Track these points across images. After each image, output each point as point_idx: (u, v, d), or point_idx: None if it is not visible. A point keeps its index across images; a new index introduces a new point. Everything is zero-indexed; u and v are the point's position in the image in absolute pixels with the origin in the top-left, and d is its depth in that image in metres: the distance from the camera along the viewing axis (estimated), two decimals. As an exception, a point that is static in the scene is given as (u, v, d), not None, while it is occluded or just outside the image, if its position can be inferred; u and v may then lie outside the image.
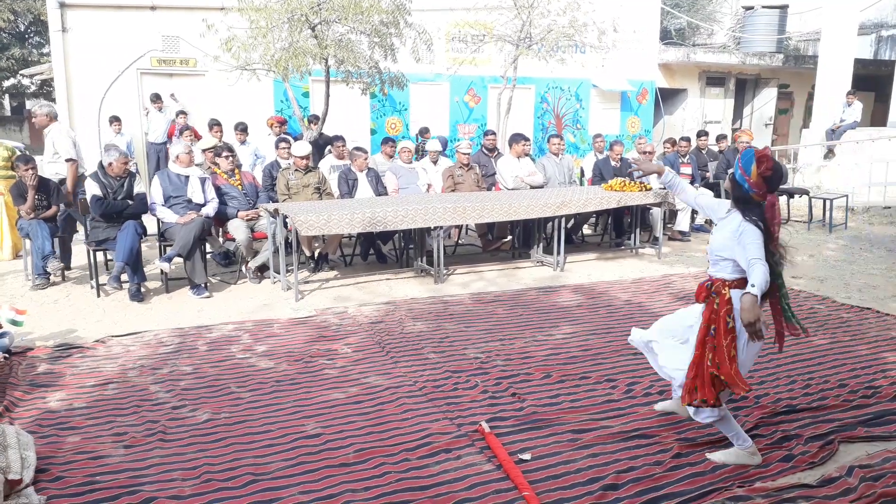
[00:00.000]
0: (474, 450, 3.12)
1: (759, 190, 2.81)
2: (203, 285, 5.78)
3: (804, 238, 8.76)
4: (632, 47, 12.98)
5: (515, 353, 4.43)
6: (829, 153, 12.15)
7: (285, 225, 5.80)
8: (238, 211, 6.36)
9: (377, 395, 3.72)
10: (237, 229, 6.22)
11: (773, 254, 2.84)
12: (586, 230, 9.27)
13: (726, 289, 2.89)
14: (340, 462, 3.01)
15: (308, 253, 6.63)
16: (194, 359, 4.30)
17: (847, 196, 9.65)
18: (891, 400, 3.68)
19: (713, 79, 15.94)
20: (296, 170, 6.74)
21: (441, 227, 6.20)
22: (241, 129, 9.09)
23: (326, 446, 3.15)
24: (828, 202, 9.36)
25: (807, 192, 9.85)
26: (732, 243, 2.82)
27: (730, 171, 3.10)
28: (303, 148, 6.75)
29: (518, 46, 9.80)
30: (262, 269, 6.35)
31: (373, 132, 11.91)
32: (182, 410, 3.56)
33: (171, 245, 5.81)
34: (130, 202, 5.81)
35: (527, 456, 3.05)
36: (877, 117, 16.08)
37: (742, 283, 2.84)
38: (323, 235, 6.27)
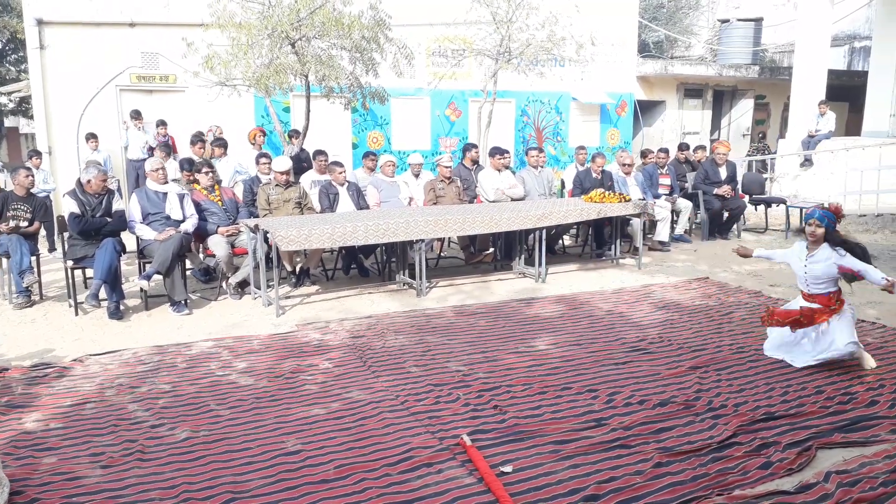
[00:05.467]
0: (456, 463, 3.11)
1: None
2: (183, 302, 5.74)
3: (782, 246, 8.84)
4: (610, 60, 13.15)
5: (497, 365, 4.43)
6: (806, 162, 12.34)
7: (266, 240, 5.79)
8: (218, 227, 6.33)
9: (358, 410, 3.70)
10: (217, 245, 6.19)
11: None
12: (567, 241, 9.33)
13: (838, 300, 4.39)
14: (321, 478, 2.99)
15: (289, 268, 6.61)
16: (173, 376, 4.26)
17: (823, 204, 9.77)
18: (867, 405, 3.73)
19: (691, 90, 16.16)
20: (276, 185, 6.73)
21: (423, 241, 6.22)
22: (220, 144, 9.07)
23: (307, 463, 3.13)
24: (804, 211, 9.46)
25: (784, 201, 9.99)
26: (833, 269, 4.33)
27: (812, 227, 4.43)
28: (283, 163, 6.75)
29: (497, 60, 9.89)
30: (243, 285, 6.32)
31: (354, 146, 11.93)
32: (160, 429, 3.52)
33: (150, 262, 5.77)
34: (109, 219, 5.76)
35: (508, 468, 3.05)
36: (851, 127, 16.37)
37: (838, 293, 4.42)
38: (304, 250, 6.25)
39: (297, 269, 6.66)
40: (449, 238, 8.45)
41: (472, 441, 3.28)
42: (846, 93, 16.34)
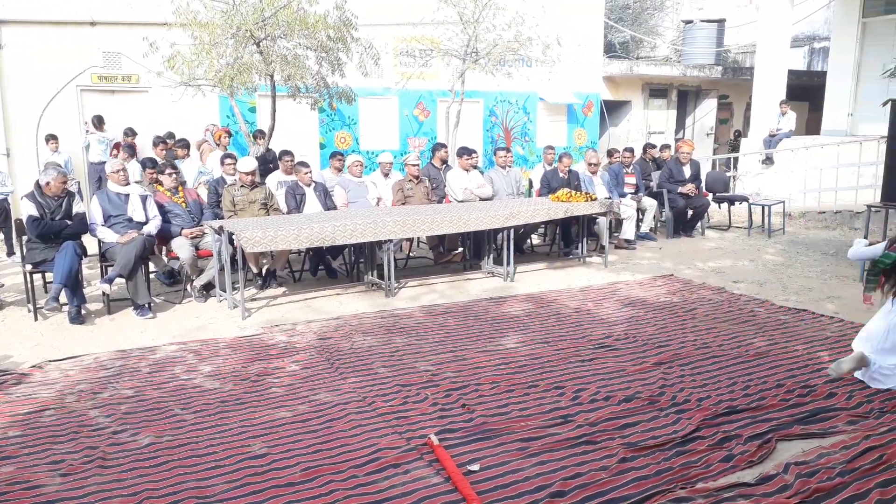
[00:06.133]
0: (423, 463, 3.11)
1: None
2: (146, 305, 5.65)
3: (745, 243, 9.05)
4: (577, 61, 13.26)
5: (466, 364, 4.44)
6: (767, 161, 12.59)
7: (231, 242, 5.72)
8: (182, 229, 6.23)
9: (325, 413, 3.68)
10: (181, 247, 6.10)
11: None
12: (536, 240, 9.39)
13: None
14: (287, 482, 2.96)
15: (255, 270, 6.54)
16: (136, 381, 4.19)
17: (784, 202, 10.01)
18: (825, 398, 3.82)
19: (656, 90, 16.38)
20: (241, 186, 6.66)
21: (391, 241, 6.20)
22: (183, 145, 8.94)
23: (272, 466, 3.10)
24: (766, 208, 9.69)
25: (746, 199, 10.18)
26: None
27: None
28: (248, 164, 6.68)
29: (465, 61, 9.91)
30: (208, 288, 6.24)
31: (322, 146, 11.85)
32: (122, 435, 3.45)
33: (112, 265, 5.66)
34: (69, 222, 5.64)
35: (475, 467, 3.06)
36: (811, 126, 16.73)
37: None
38: (270, 252, 6.20)
39: (264, 270, 6.60)
40: (418, 238, 8.45)
41: (440, 440, 3.28)
42: (806, 92, 16.70)
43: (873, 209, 6.87)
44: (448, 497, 2.81)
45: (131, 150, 9.25)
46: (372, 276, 6.63)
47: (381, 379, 4.17)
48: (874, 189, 9.19)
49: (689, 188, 9.37)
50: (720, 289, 6.47)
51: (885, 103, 6.74)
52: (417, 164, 7.67)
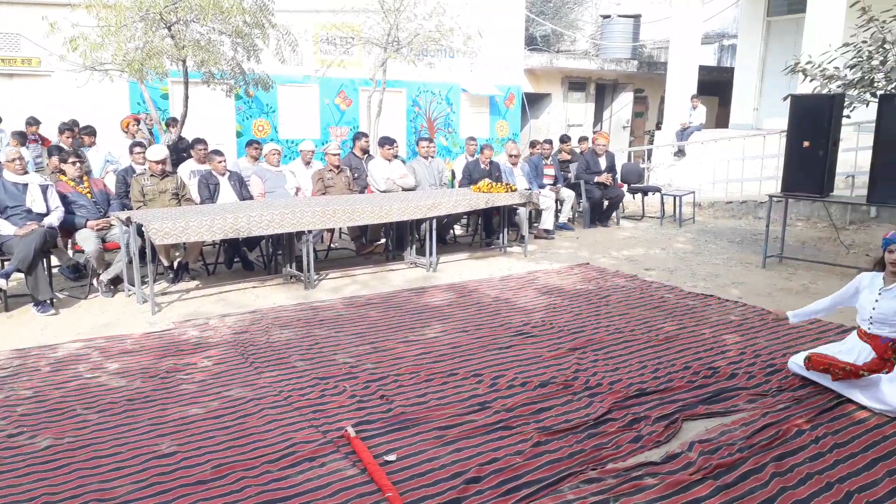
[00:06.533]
0: (339, 456, 3.08)
1: None
2: (48, 301, 5.34)
3: (657, 232, 9.39)
4: (498, 53, 13.39)
5: (386, 355, 4.42)
6: (679, 153, 13.09)
7: (140, 234, 5.48)
8: (87, 220, 5.92)
9: (239, 408, 3.58)
10: (86, 240, 5.79)
11: None
12: (459, 231, 9.44)
13: None
14: (197, 480, 2.87)
15: (166, 263, 6.29)
16: (36, 381, 3.96)
17: (694, 193, 10.44)
18: (728, 378, 4.01)
19: (575, 84, 16.75)
20: (151, 175, 6.39)
21: (310, 232, 6.09)
22: (89, 132, 8.50)
23: (182, 465, 2.99)
24: (677, 199, 10.08)
25: (659, 190, 10.56)
26: None
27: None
28: (158, 152, 6.41)
29: (386, 50, 9.83)
30: (116, 282, 5.95)
31: (239, 135, 11.52)
32: (19, 438, 3.26)
33: (9, 260, 5.32)
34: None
35: (392, 457, 3.05)
36: (720, 119, 17.51)
37: None
38: (183, 244, 5.97)
39: (175, 264, 6.35)
40: (340, 229, 8.35)
41: (357, 432, 3.26)
42: (716, 87, 17.45)
43: (774, 199, 7.24)
44: (363, 488, 2.79)
45: (22, 138, 8.67)
46: (291, 268, 6.50)
47: (299, 373, 4.09)
48: (776, 180, 9.70)
49: (605, 177, 9.63)
50: (633, 276, 6.69)
51: (785, 98, 7.10)
52: (338, 154, 7.56)
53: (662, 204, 10.35)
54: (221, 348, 4.52)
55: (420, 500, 2.71)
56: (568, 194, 9.57)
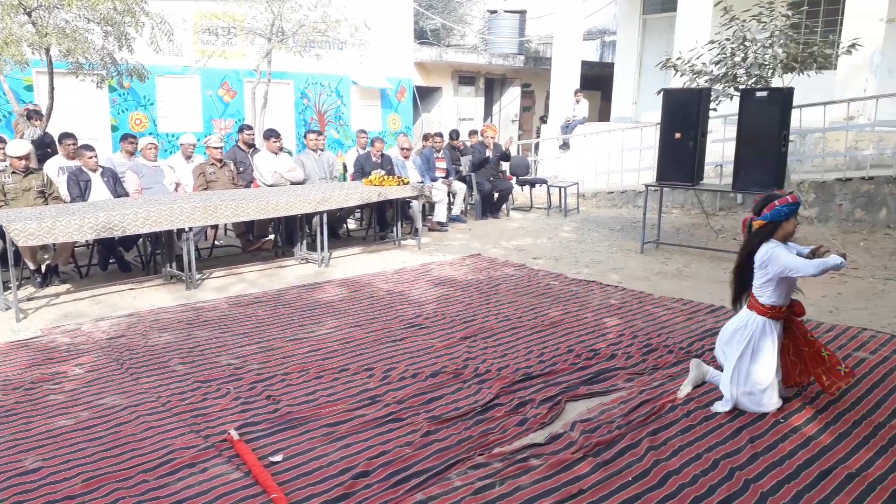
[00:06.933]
0: (222, 460, 2.97)
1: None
2: None
3: (544, 223, 9.69)
4: (388, 45, 13.33)
5: (273, 354, 4.31)
6: (564, 146, 13.55)
7: (1, 235, 5.05)
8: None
9: (112, 417, 3.38)
10: (-64, 244, 5.28)
11: None
12: (352, 225, 9.36)
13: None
14: (65, 495, 2.68)
15: (33, 266, 5.84)
16: None
17: (578, 184, 10.85)
18: (608, 359, 4.20)
19: (465, 78, 16.96)
20: (13, 172, 5.91)
21: (191, 229, 5.83)
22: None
23: (48, 480, 2.79)
24: (563, 190, 10.44)
25: (545, 182, 10.90)
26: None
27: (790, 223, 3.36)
28: (20, 147, 5.94)
29: (270, 40, 9.55)
30: (-26, 289, 5.46)
31: (114, 128, 10.84)
32: None
33: None
34: None
35: (278, 457, 2.98)
36: (603, 113, 18.27)
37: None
38: (52, 245, 5.56)
39: (43, 267, 5.91)
40: (225, 225, 8.06)
41: (241, 435, 3.16)
42: (599, 82, 18.16)
43: (650, 188, 7.64)
44: (247, 491, 2.71)
45: None
46: (171, 267, 6.20)
47: (179, 377, 3.91)
48: (653, 170, 10.23)
49: (507, 142, 9.96)
50: (521, 265, 6.86)
51: (658, 92, 7.50)
52: (220, 147, 7.28)
53: (549, 195, 10.68)
54: (94, 355, 4.25)
55: (306, 499, 2.66)
56: (460, 187, 9.69)
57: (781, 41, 7.38)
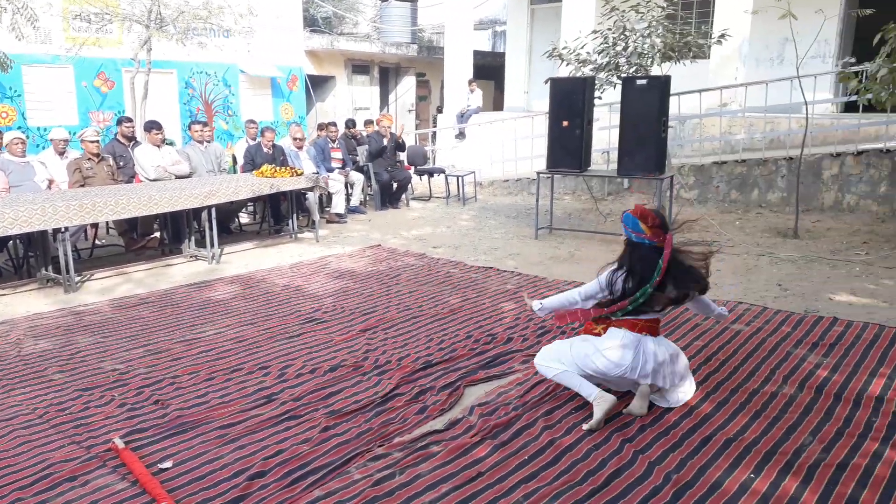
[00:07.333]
0: (106, 470, 2.80)
1: (658, 238, 3.16)
2: None
3: (443, 212, 9.76)
4: (277, 33, 12.95)
5: (162, 357, 4.11)
6: (460, 135, 13.69)
7: None
8: None
9: (-20, 434, 3.12)
10: None
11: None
12: (245, 219, 9.07)
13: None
14: (-75, 524, 2.46)
15: None
16: None
17: (475, 173, 11.00)
18: (505, 343, 4.28)
19: (358, 67, 16.76)
20: None
21: (67, 229, 5.45)
22: None
23: None
24: (460, 179, 10.55)
25: (443, 171, 10.97)
26: None
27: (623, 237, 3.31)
28: None
29: (148, 27, 9.05)
30: None
31: (-24, 123, 9.96)
32: None
33: None
34: None
35: (168, 464, 2.85)
36: (498, 102, 18.59)
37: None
38: None
39: None
40: (107, 224, 7.61)
41: (127, 443, 2.99)
42: (492, 72, 18.45)
43: (542, 175, 7.86)
44: (135, 501, 2.57)
45: None
46: (47, 270, 5.78)
47: (57, 386, 3.66)
48: (545, 158, 10.51)
49: (399, 128, 9.89)
50: (422, 254, 6.89)
51: (546, 81, 7.70)
52: (96, 141, 6.83)
53: (447, 184, 10.76)
54: (-43, 369, 3.90)
55: (200, 505, 2.57)
56: (357, 177, 9.59)
57: (659, 31, 7.76)
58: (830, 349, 4.06)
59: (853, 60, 8.36)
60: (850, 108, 9.98)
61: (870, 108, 7.31)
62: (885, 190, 8.27)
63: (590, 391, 3.21)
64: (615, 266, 3.28)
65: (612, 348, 3.20)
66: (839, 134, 9.23)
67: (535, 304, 3.51)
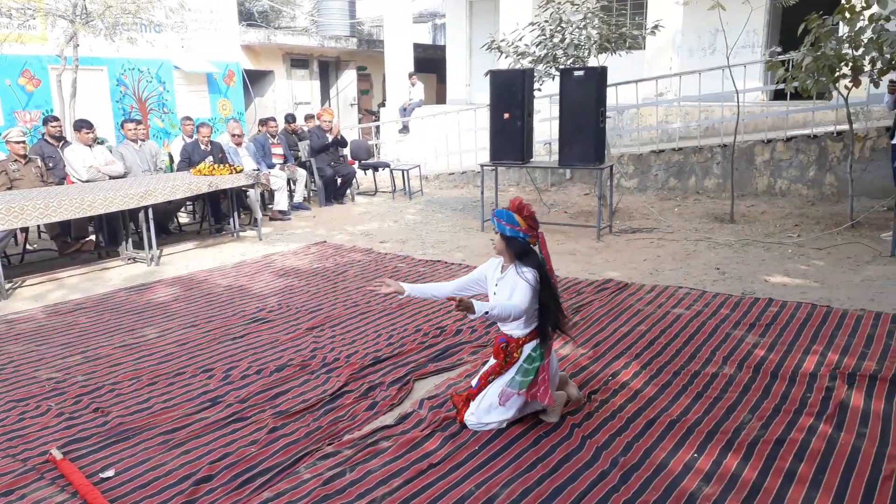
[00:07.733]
0: (44, 483, 2.70)
1: (532, 233, 3.00)
2: None
3: (390, 206, 9.72)
4: (211, 28, 12.63)
5: (100, 363, 3.97)
6: (404, 129, 13.64)
7: None
8: None
9: None
10: None
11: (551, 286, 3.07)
12: (184, 219, 8.84)
13: (520, 348, 3.04)
14: None
15: None
16: None
17: (420, 166, 10.97)
18: (454, 335, 4.30)
19: (297, 61, 16.51)
20: None
21: (-7, 234, 5.22)
22: None
23: None
24: (405, 173, 10.51)
25: (388, 165, 10.91)
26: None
27: (496, 236, 3.08)
28: None
29: (74, 22, 8.69)
30: None
31: None
32: None
33: None
34: None
35: (110, 472, 2.76)
36: (440, 95, 18.59)
37: (533, 335, 3.04)
38: None
39: None
40: (38, 227, 7.30)
41: (66, 453, 2.89)
42: (433, 65, 18.45)
43: (486, 168, 7.90)
44: (75, 515, 2.49)
45: None
46: (-27, 278, 5.51)
47: (-12, 399, 3.50)
48: (488, 151, 10.58)
49: (335, 129, 9.67)
50: (369, 250, 6.84)
51: (486, 74, 7.73)
52: (22, 142, 6.53)
53: (393, 179, 10.71)
54: None
55: (145, 514, 2.50)
56: (300, 173, 9.45)
57: (594, 23, 7.88)
58: (766, 329, 4.21)
59: (780, 50, 8.67)
60: (778, 95, 10.35)
61: (797, 95, 7.60)
62: (814, 174, 8.63)
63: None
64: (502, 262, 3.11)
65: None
66: (769, 121, 9.57)
67: (407, 287, 3.12)
